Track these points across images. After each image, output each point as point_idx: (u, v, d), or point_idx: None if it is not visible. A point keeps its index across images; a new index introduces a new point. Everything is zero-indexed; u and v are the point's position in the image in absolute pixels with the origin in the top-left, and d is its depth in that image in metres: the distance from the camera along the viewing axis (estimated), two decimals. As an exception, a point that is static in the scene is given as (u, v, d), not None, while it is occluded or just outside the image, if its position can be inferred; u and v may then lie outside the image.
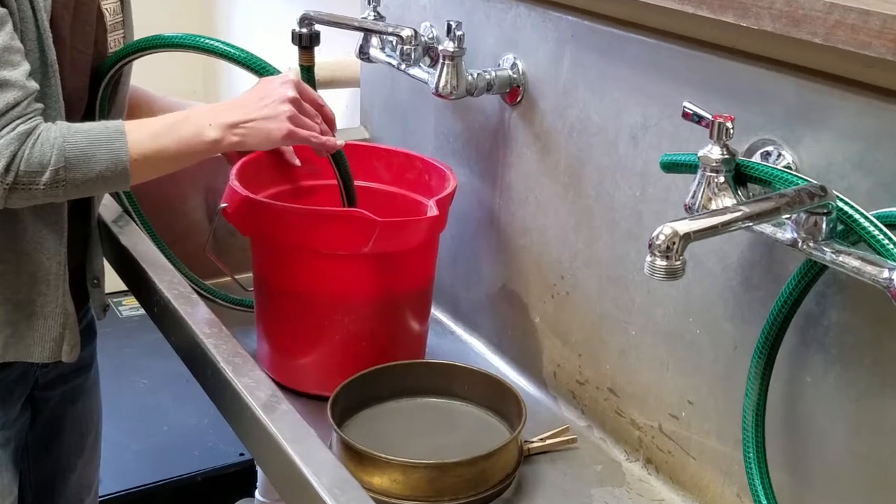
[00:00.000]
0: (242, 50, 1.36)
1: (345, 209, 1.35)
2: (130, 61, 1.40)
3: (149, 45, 1.39)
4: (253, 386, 1.11)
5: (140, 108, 1.49)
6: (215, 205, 1.54)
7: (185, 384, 2.33)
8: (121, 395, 2.28)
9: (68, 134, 1.19)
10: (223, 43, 1.37)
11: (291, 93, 1.27)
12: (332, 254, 1.33)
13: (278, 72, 1.34)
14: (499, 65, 1.43)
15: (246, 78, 1.37)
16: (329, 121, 1.33)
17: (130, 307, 2.79)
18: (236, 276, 1.51)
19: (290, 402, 1.10)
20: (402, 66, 1.53)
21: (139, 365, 2.41)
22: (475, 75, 1.40)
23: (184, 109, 1.34)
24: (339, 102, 2.19)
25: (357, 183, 1.48)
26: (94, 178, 1.19)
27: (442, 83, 1.39)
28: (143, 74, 1.54)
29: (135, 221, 1.52)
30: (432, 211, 1.33)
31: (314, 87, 1.56)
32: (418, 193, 1.52)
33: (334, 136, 1.34)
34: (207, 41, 1.38)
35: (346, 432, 1.25)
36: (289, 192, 1.52)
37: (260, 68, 1.35)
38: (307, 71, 1.56)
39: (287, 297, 1.39)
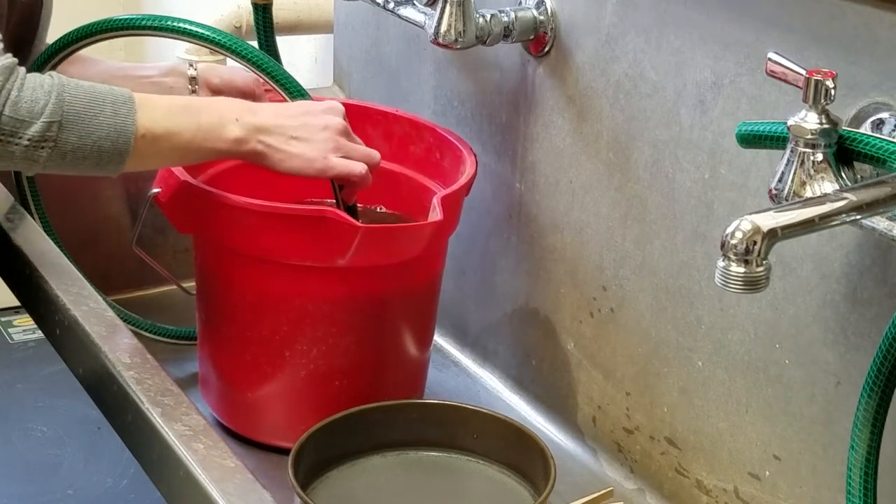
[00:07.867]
0: (273, 62, 1.38)
1: (312, 208, 1.35)
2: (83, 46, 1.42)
3: (118, 27, 1.42)
4: (189, 435, 1.11)
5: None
6: (139, 194, 1.54)
7: (97, 433, 2.33)
8: (10, 446, 2.28)
9: (66, 83, 1.21)
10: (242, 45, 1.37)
11: (340, 120, 1.31)
12: (296, 265, 1.33)
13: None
14: (520, 3, 1.44)
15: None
16: (375, 169, 1.36)
17: (24, 328, 2.79)
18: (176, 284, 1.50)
19: (241, 456, 1.10)
20: (391, 5, 1.53)
21: (35, 406, 2.41)
22: (488, 17, 1.40)
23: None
24: (306, 54, 2.20)
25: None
26: (89, 147, 1.21)
27: (444, 27, 1.39)
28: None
29: (31, 214, 1.52)
30: (435, 215, 1.33)
31: (272, 30, 1.56)
32: (426, 176, 1.51)
33: None
34: (231, 40, 1.37)
35: (313, 497, 1.25)
36: (246, 167, 1.51)
37: (296, 92, 1.37)
38: (263, 10, 1.56)
39: (237, 315, 1.39)
